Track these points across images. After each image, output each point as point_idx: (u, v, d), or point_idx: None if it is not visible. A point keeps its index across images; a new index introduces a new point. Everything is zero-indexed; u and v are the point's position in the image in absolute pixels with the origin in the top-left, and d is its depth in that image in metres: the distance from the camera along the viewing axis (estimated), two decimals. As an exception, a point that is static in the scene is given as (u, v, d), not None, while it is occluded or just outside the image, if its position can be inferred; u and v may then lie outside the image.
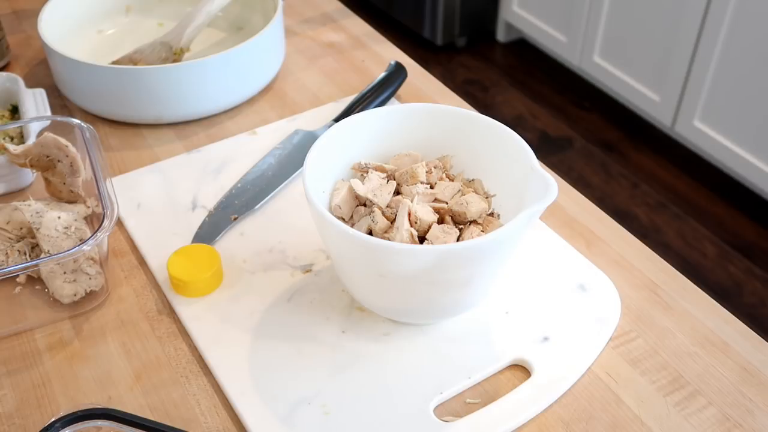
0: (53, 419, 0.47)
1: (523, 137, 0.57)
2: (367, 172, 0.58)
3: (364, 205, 0.56)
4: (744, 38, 1.68)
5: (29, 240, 0.62)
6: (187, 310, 0.59)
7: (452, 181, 0.59)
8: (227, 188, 0.70)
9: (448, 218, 0.55)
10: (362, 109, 0.77)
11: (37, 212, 0.61)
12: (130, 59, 0.82)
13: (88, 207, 0.65)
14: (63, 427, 0.47)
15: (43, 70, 0.89)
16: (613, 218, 0.68)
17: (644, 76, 1.99)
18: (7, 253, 0.61)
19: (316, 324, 0.58)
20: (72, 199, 0.66)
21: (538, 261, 0.63)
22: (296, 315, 0.59)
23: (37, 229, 0.60)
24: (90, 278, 0.59)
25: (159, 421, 0.51)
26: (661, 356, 0.56)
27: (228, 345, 0.56)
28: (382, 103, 0.81)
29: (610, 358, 0.56)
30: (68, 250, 0.55)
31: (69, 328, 0.59)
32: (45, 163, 0.65)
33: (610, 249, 0.65)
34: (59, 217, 0.61)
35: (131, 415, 0.48)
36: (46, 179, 0.66)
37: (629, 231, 0.67)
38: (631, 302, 0.60)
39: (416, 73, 0.88)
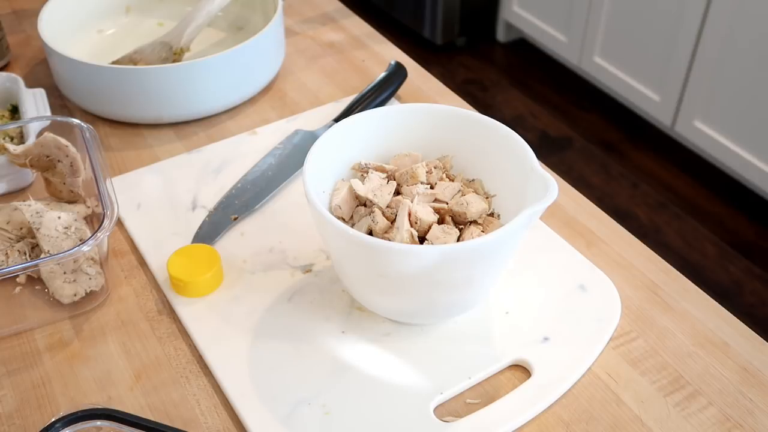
0: (53, 419, 0.47)
1: (523, 137, 0.56)
2: (367, 172, 0.58)
3: (365, 205, 0.56)
4: (744, 38, 1.68)
5: (29, 240, 0.62)
6: (187, 310, 0.59)
7: (452, 181, 0.59)
8: (227, 188, 0.70)
9: (448, 218, 0.55)
10: (362, 109, 0.77)
11: (37, 212, 0.61)
12: (130, 59, 0.82)
13: (88, 207, 0.65)
14: (63, 427, 0.47)
15: (43, 70, 0.89)
16: (613, 218, 0.68)
17: (644, 76, 1.99)
18: (7, 253, 0.61)
19: (316, 324, 0.58)
20: (72, 199, 0.66)
21: (538, 261, 0.63)
22: (296, 315, 0.59)
23: (37, 229, 0.60)
24: (90, 278, 0.59)
25: (159, 421, 0.52)
26: (661, 356, 0.56)
27: (228, 345, 0.56)
28: (382, 103, 0.81)
29: (610, 358, 0.56)
30: (68, 250, 0.55)
31: (69, 328, 0.59)
32: (45, 163, 0.65)
33: (610, 249, 0.65)
34: (59, 217, 0.61)
35: (131, 415, 0.48)
36: (46, 179, 0.66)
37: (629, 231, 0.67)
38: (631, 302, 0.60)
39: (416, 73, 0.88)
